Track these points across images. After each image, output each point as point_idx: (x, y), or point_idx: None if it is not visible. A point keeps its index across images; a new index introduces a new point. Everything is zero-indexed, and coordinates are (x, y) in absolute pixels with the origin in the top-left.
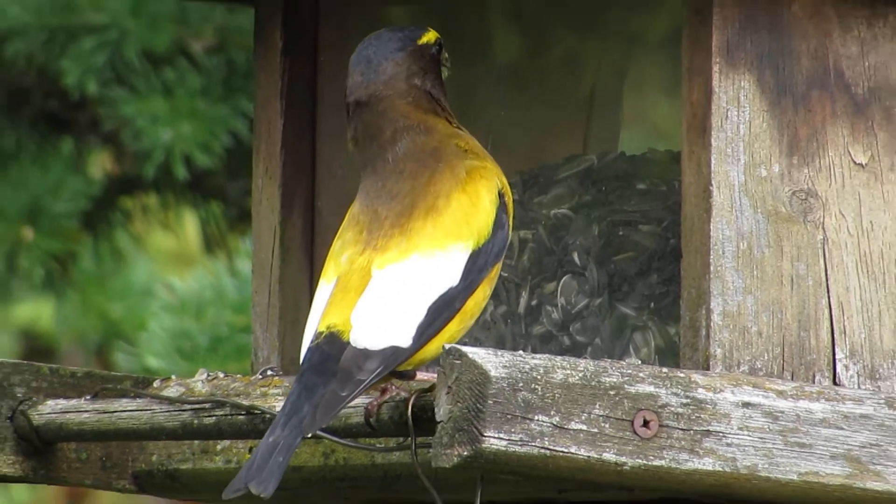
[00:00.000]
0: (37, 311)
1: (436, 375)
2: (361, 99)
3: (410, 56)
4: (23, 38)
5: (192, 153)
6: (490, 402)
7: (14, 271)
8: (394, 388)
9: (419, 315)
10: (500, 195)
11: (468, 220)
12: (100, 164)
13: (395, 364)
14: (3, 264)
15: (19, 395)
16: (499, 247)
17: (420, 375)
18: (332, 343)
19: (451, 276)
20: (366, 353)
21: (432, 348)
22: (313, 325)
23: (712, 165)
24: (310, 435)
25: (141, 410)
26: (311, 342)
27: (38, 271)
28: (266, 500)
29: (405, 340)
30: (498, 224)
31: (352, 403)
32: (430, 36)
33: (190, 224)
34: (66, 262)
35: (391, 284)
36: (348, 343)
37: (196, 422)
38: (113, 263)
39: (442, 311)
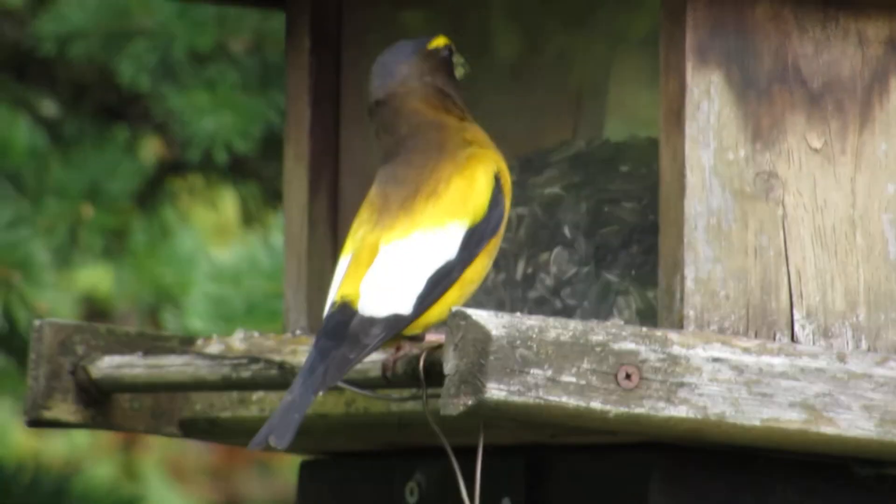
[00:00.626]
0: (97, 277)
1: (443, 336)
2: (380, 98)
3: (421, 58)
4: (84, 41)
5: (231, 140)
6: (491, 357)
7: (76, 243)
8: (407, 345)
9: (419, 285)
10: (497, 178)
11: (465, 201)
12: (151, 150)
13: (397, 329)
14: (67, 237)
15: (80, 352)
16: (495, 223)
17: (429, 337)
18: (344, 311)
19: (448, 250)
20: (371, 321)
21: (435, 314)
22: (331, 295)
23: (686, 150)
24: (321, 393)
25: (186, 365)
26: (328, 311)
27: (98, 243)
28: (283, 450)
29: (406, 308)
30: (493, 203)
31: (370, 359)
32: (439, 41)
33: (229, 202)
34: (122, 236)
35: (395, 258)
36: (357, 311)
37: (234, 375)
38: (162, 236)
39: (440, 281)
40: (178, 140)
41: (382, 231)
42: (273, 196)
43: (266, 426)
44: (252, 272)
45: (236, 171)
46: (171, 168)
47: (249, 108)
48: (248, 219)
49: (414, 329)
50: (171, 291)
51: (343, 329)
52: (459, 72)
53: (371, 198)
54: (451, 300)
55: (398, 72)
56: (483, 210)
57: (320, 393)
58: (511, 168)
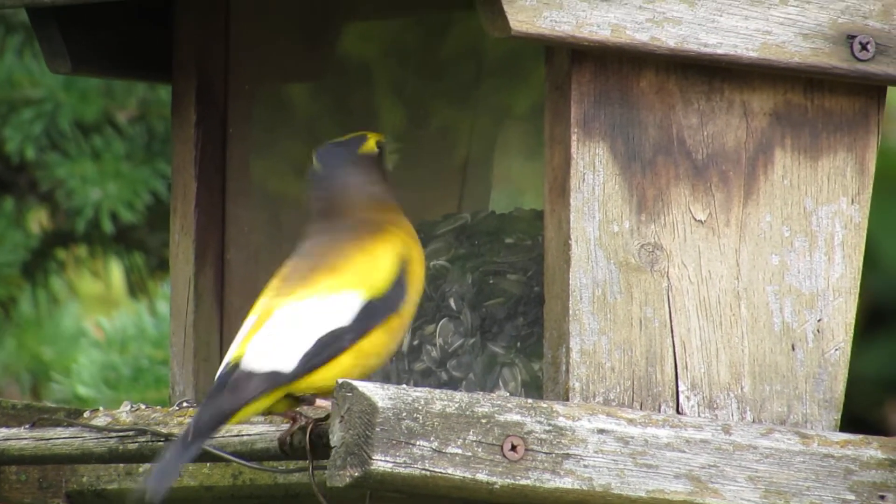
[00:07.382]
0: None
1: (331, 404)
2: (326, 207)
3: (358, 164)
4: None
5: (117, 210)
6: (377, 429)
7: None
8: (302, 417)
9: (307, 344)
10: (404, 262)
11: (363, 275)
12: (37, 221)
13: (276, 384)
14: None
15: None
16: (394, 301)
17: (319, 402)
18: (229, 370)
19: (342, 315)
20: (250, 374)
21: (327, 377)
22: (226, 359)
23: (571, 222)
24: (194, 446)
25: (73, 438)
26: (219, 373)
27: None
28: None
29: (288, 365)
30: (397, 283)
31: (256, 431)
32: (370, 145)
33: (115, 272)
34: (8, 307)
35: (285, 319)
36: (238, 367)
37: (121, 447)
38: (49, 307)
39: (330, 344)
40: (64, 210)
41: (280, 298)
42: (159, 266)
43: (146, 478)
44: (138, 339)
45: (122, 241)
46: (58, 239)
47: (135, 177)
48: (134, 289)
49: (304, 389)
50: (53, 367)
51: (223, 384)
52: (391, 160)
53: (283, 269)
54: (345, 367)
55: (342, 182)
56: (383, 286)
57: (191, 443)
58: None
